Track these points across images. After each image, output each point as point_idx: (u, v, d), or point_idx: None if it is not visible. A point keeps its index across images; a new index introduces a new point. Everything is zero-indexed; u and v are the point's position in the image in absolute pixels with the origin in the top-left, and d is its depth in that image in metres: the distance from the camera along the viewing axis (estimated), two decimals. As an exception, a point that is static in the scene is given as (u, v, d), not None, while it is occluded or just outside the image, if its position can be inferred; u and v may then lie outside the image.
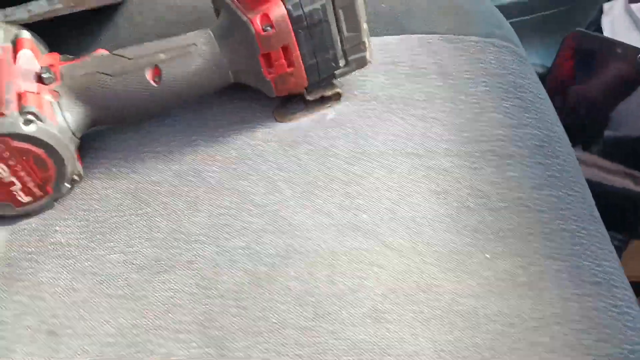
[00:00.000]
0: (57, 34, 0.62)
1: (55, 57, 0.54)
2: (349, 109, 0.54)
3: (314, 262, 0.45)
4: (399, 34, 0.61)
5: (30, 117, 0.46)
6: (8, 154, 0.47)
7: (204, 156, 0.52)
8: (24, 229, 0.49)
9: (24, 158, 0.47)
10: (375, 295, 0.44)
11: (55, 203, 0.50)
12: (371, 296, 0.43)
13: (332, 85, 0.55)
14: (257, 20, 0.48)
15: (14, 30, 0.55)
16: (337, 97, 0.55)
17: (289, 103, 0.55)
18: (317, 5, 0.49)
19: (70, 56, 0.55)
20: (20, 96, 0.48)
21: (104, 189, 0.50)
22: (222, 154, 0.52)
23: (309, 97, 0.54)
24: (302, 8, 0.49)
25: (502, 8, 0.71)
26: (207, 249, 0.45)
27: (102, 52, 0.53)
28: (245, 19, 0.48)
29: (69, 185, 0.50)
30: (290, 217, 0.47)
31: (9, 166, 0.47)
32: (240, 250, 0.45)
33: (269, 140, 0.52)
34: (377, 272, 0.45)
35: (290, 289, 0.44)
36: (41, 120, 0.47)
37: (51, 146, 0.48)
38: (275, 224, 0.47)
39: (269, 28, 0.48)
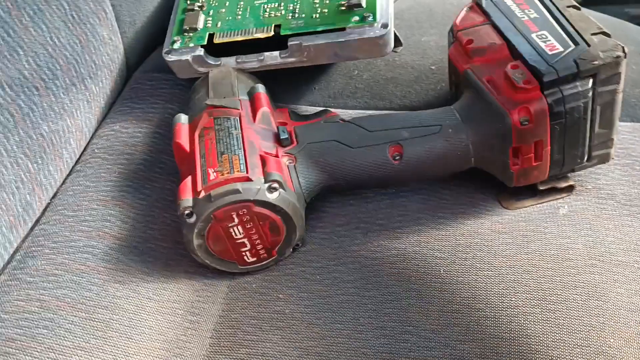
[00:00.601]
0: (271, 80, 0.63)
1: (285, 115, 0.54)
2: (583, 205, 0.51)
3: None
4: (631, 121, 0.57)
5: (275, 184, 0.46)
6: (247, 217, 0.46)
7: (428, 238, 0.50)
8: (245, 288, 0.49)
9: (261, 223, 0.47)
10: None
11: (275, 265, 0.50)
12: None
13: (566, 177, 0.52)
14: (516, 113, 0.46)
15: (249, 81, 0.55)
16: (570, 189, 0.52)
17: (516, 188, 0.52)
18: (579, 103, 0.46)
19: (299, 114, 0.54)
20: (263, 160, 0.48)
21: (325, 259, 0.50)
22: (448, 240, 0.50)
23: (542, 187, 0.51)
24: (564, 105, 0.46)
25: None
26: (435, 353, 0.44)
27: (335, 116, 0.53)
28: (503, 110, 0.46)
29: (292, 249, 0.50)
30: (522, 327, 0.44)
31: (245, 229, 0.47)
32: (475, 358, 0.43)
33: (498, 231, 0.50)
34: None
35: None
36: (283, 188, 0.47)
37: (288, 214, 0.47)
38: (510, 333, 0.44)
39: (526, 122, 0.46)
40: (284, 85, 0.63)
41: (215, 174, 0.47)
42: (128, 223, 0.52)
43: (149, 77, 0.64)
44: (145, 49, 0.66)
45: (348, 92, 0.62)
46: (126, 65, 0.64)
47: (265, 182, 0.46)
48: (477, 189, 0.53)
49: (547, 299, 0.45)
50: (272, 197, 0.46)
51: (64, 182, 0.56)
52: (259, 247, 0.48)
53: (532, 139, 0.47)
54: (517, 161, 0.48)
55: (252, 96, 0.53)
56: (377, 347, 0.44)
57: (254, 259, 0.49)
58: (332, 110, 0.54)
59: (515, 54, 0.48)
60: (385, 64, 0.63)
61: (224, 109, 0.52)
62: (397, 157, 0.49)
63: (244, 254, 0.48)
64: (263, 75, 0.59)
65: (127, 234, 0.52)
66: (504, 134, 0.46)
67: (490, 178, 0.51)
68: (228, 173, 0.47)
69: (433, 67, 0.62)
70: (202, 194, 0.46)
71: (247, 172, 0.47)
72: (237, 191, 0.46)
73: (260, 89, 0.54)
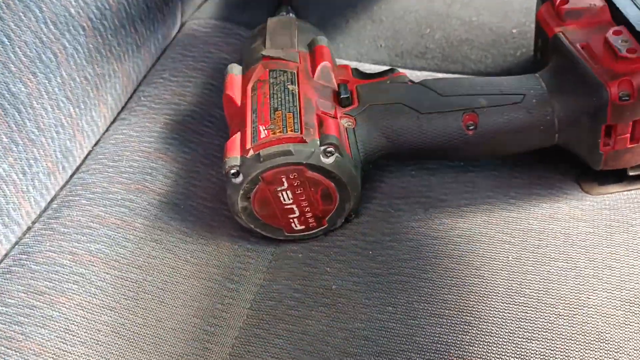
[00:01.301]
0: (335, 33, 0.57)
1: (347, 71, 0.49)
2: (678, 196, 0.45)
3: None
4: None
5: (330, 148, 0.41)
6: (298, 182, 0.42)
7: (497, 220, 0.45)
8: (290, 257, 0.45)
9: (312, 189, 0.43)
10: None
11: (323, 236, 0.46)
12: None
13: (660, 163, 0.46)
14: (616, 86, 0.40)
15: (310, 32, 0.50)
16: (663, 177, 0.46)
17: (600, 171, 0.46)
18: (690, 78, 0.40)
19: (363, 72, 0.49)
20: (320, 120, 0.43)
21: (380, 233, 0.45)
22: (520, 224, 0.44)
23: (632, 173, 0.45)
24: (673, 78, 0.40)
25: None
26: (496, 349, 0.39)
27: (404, 76, 0.47)
28: (600, 81, 0.40)
29: (343, 220, 0.45)
30: (599, 330, 0.39)
31: (294, 194, 0.43)
32: (535, 357, 0.38)
33: (577, 218, 0.44)
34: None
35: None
36: (340, 153, 0.42)
37: (343, 181, 0.42)
38: (584, 336, 0.39)
39: (627, 97, 0.40)
40: (348, 40, 0.58)
41: (266, 131, 0.43)
42: (170, 178, 0.49)
43: (204, 24, 0.59)
44: (202, -6, 0.62)
45: (417, 51, 0.57)
46: (181, 11, 0.60)
47: (321, 145, 0.42)
48: (556, 169, 0.47)
49: (632, 301, 0.40)
50: (327, 161, 0.42)
51: (107, 130, 0.53)
52: (309, 214, 0.44)
53: (631, 117, 0.40)
54: (609, 141, 0.42)
55: (313, 49, 0.48)
56: (432, 336, 0.39)
57: (302, 227, 0.45)
58: (400, 70, 0.49)
59: (619, 18, 0.42)
60: (461, 23, 0.57)
61: (281, 61, 0.47)
62: (472, 127, 0.43)
63: (291, 220, 0.44)
64: (324, 25, 0.54)
65: (169, 189, 0.48)
66: (598, 110, 0.40)
67: (572, 158, 0.46)
68: (280, 132, 0.42)
69: (514, 31, 0.56)
70: (251, 152, 0.42)
71: (301, 133, 0.42)
72: (289, 152, 0.41)
73: (323, 41, 0.49)
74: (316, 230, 0.45)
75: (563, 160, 0.47)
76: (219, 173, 0.49)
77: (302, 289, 0.43)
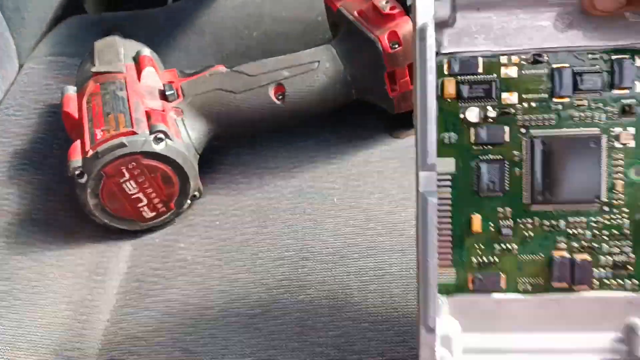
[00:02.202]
0: (165, 49, 0.63)
1: (173, 74, 0.55)
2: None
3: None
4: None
5: (160, 135, 0.47)
6: (138, 171, 0.47)
7: (322, 173, 0.52)
8: (148, 244, 0.50)
9: (152, 175, 0.48)
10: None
11: (176, 219, 0.51)
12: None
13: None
14: (385, 38, 0.48)
15: (135, 46, 0.56)
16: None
17: (405, 119, 0.54)
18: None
19: (188, 72, 0.55)
20: (148, 115, 0.49)
21: (224, 205, 0.51)
22: (341, 172, 0.51)
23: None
24: (429, 25, 0.48)
25: None
26: (337, 270, 0.45)
27: (221, 68, 0.54)
28: (372, 36, 0.48)
29: (189, 201, 0.51)
30: (411, 239, 0.46)
31: (137, 183, 0.48)
32: (370, 271, 0.45)
33: (388, 158, 0.52)
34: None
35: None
36: (170, 138, 0.48)
37: (178, 163, 0.48)
38: (402, 246, 0.46)
39: (396, 45, 0.48)
40: (176, 53, 0.63)
41: (102, 133, 0.48)
42: (26, 199, 0.52)
43: (40, 62, 0.64)
44: (35, 35, 0.66)
45: (240, 52, 0.63)
46: (16, 53, 0.64)
47: (151, 133, 0.47)
48: (371, 123, 0.55)
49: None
50: (158, 147, 0.47)
51: (-39, 169, 0.56)
52: (156, 200, 0.49)
53: (405, 61, 0.49)
54: (394, 87, 0.50)
55: (138, 59, 0.54)
56: (276, 275, 0.45)
57: (153, 213, 0.50)
58: (220, 65, 0.55)
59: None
60: (273, 20, 0.64)
61: (109, 74, 0.52)
62: (280, 97, 0.50)
63: (141, 209, 0.49)
64: (153, 44, 0.60)
65: (27, 208, 0.52)
66: (376, 60, 0.48)
67: (383, 112, 0.53)
68: (114, 130, 0.47)
69: (319, 19, 0.64)
70: (90, 152, 0.47)
71: (132, 127, 0.47)
72: (122, 145, 0.46)
73: (146, 51, 0.55)
74: (167, 214, 0.50)
75: (378, 114, 0.54)
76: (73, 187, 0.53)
77: (162, 267, 0.48)
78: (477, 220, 0.34)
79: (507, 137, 0.34)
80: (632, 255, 0.34)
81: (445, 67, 0.33)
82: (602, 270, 0.34)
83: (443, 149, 0.34)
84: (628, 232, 0.34)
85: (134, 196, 0.48)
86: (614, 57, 0.33)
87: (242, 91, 0.50)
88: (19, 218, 0.51)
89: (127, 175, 0.47)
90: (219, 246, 0.48)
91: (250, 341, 0.42)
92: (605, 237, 0.34)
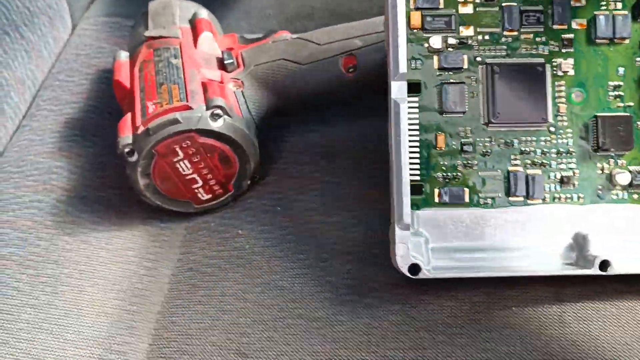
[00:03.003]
0: (224, 10, 0.58)
1: (233, 39, 0.49)
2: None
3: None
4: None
5: (217, 111, 0.42)
6: (193, 150, 0.43)
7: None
8: (203, 228, 0.46)
9: (209, 155, 0.43)
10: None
11: (233, 202, 0.47)
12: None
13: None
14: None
15: (191, 8, 0.51)
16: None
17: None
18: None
19: (249, 37, 0.50)
20: (205, 86, 0.44)
21: (287, 188, 0.46)
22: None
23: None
24: None
25: None
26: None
27: (285, 34, 0.48)
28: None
29: (249, 183, 0.46)
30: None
31: (192, 163, 0.43)
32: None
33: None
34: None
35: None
36: (228, 115, 0.43)
37: (237, 142, 0.43)
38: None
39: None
40: (236, 14, 0.58)
41: (154, 106, 0.43)
42: (76, 173, 0.49)
43: (94, 23, 0.60)
44: (90, -7, 0.62)
45: (305, 13, 0.58)
46: (69, 13, 0.60)
47: (207, 109, 0.42)
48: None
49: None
50: (215, 125, 0.42)
51: (10, 140, 0.53)
52: (212, 182, 0.45)
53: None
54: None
55: (194, 22, 0.49)
56: (343, 273, 0.41)
57: (209, 195, 0.45)
58: (284, 30, 0.50)
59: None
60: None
61: (163, 39, 0.48)
62: (352, 70, 0.44)
63: (197, 191, 0.45)
64: (211, 4, 0.55)
65: (76, 184, 0.48)
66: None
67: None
68: (167, 104, 0.43)
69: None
70: (141, 128, 0.42)
71: (187, 101, 0.43)
72: (176, 121, 0.42)
73: (203, 14, 0.49)
74: (224, 197, 0.46)
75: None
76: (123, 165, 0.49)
77: (217, 255, 0.44)
78: (441, 138, 0.39)
79: (465, 64, 0.39)
80: (577, 171, 0.39)
81: (412, 2, 0.39)
82: (551, 184, 0.39)
83: (411, 74, 0.39)
84: (572, 150, 0.39)
85: (189, 177, 0.44)
86: None
87: (309, 62, 0.45)
88: (68, 195, 0.47)
89: (181, 155, 0.43)
90: (280, 235, 0.43)
91: (313, 348, 0.38)
92: (553, 155, 0.39)
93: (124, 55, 0.49)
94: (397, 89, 0.37)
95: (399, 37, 0.37)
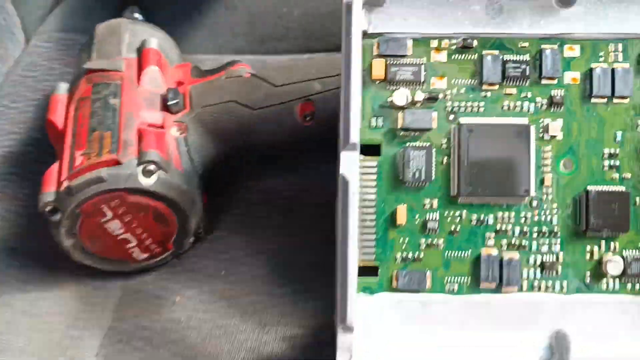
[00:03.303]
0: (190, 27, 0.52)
1: (186, 71, 0.44)
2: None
3: None
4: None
5: (150, 166, 0.37)
6: (124, 209, 0.38)
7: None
8: (139, 290, 0.40)
9: (142, 214, 0.38)
10: None
11: (176, 260, 0.41)
12: None
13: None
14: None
15: (143, 33, 0.45)
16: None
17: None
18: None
19: (203, 70, 0.44)
20: (141, 135, 0.39)
21: (235, 249, 0.41)
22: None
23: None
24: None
25: None
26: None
27: (242, 68, 0.42)
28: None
29: (192, 240, 0.41)
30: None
31: (123, 223, 0.38)
32: None
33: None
34: None
35: None
36: (164, 169, 0.37)
37: (173, 200, 0.38)
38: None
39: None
40: (204, 33, 0.52)
41: (82, 158, 0.38)
42: (8, 220, 0.44)
43: (47, 39, 0.54)
44: (44, 7, 0.57)
45: (278, 34, 0.52)
46: (21, 27, 0.55)
47: (139, 164, 0.37)
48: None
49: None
50: (147, 182, 0.37)
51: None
52: (148, 241, 0.39)
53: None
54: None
55: (141, 53, 0.43)
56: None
57: (146, 254, 0.40)
58: (242, 61, 0.44)
59: None
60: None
61: (105, 73, 0.42)
62: (309, 118, 0.38)
63: (131, 251, 0.39)
64: (175, 20, 0.49)
65: (6, 232, 0.43)
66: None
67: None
68: (96, 156, 0.38)
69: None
70: (65, 184, 0.37)
71: (117, 153, 0.37)
72: (101, 179, 0.36)
73: (152, 43, 0.43)
74: (164, 256, 0.40)
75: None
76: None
77: (150, 326, 0.38)
78: (402, 212, 0.33)
79: (434, 124, 0.33)
80: (561, 255, 0.33)
81: (375, 47, 0.33)
82: (531, 270, 0.33)
83: (370, 133, 0.33)
84: (557, 230, 0.33)
85: (121, 237, 0.39)
86: (542, 46, 0.33)
87: (262, 107, 0.39)
88: (-4, 245, 0.43)
89: (109, 214, 0.38)
90: (221, 307, 0.38)
91: None
92: (534, 235, 0.33)
93: (62, 89, 0.43)
94: (347, 162, 0.30)
95: (352, 96, 0.31)
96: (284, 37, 0.51)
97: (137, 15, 0.51)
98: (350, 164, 0.30)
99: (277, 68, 0.41)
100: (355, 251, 0.30)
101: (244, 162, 0.42)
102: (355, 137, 0.30)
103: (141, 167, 0.37)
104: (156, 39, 0.44)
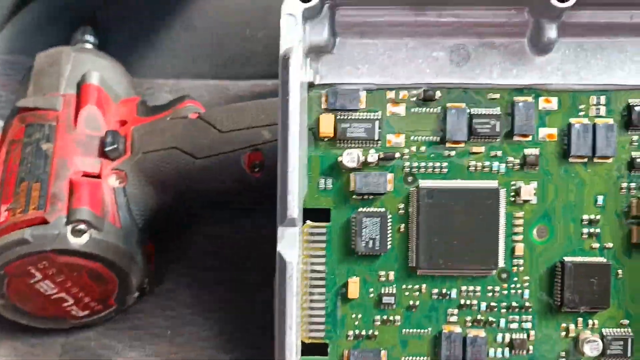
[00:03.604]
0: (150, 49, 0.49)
1: (132, 107, 0.40)
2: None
3: None
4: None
5: (80, 226, 0.33)
6: (54, 270, 0.34)
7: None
8: (82, 347, 0.37)
9: (75, 273, 0.34)
10: None
11: (123, 314, 0.38)
12: None
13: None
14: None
15: (86, 64, 0.40)
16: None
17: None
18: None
19: (151, 106, 0.40)
20: (73, 187, 0.35)
21: (182, 305, 0.37)
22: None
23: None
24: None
25: None
26: None
27: (190, 105, 0.39)
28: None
29: (137, 294, 0.37)
30: None
31: (55, 283, 0.35)
32: None
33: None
34: None
35: None
36: (96, 228, 0.34)
37: (109, 260, 0.34)
38: None
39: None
40: (163, 56, 0.48)
41: (7, 213, 0.34)
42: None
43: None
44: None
45: (243, 58, 0.48)
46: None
47: (68, 222, 0.33)
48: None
49: None
50: (78, 242, 0.33)
51: None
52: (87, 299, 0.36)
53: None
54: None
55: (80, 89, 0.40)
56: None
57: (86, 312, 0.37)
58: (192, 97, 0.40)
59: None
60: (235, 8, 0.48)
61: (39, 112, 0.38)
62: (257, 169, 0.35)
63: (69, 309, 0.36)
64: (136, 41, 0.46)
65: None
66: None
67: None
68: (21, 212, 0.34)
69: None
70: (-12, 242, 0.34)
71: (45, 210, 0.34)
72: (24, 241, 0.33)
73: (93, 77, 0.39)
74: (106, 312, 0.37)
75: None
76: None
77: (87, 389, 0.36)
78: (354, 285, 0.30)
79: (390, 187, 0.30)
80: (533, 333, 0.30)
81: (323, 100, 0.29)
82: (498, 349, 0.30)
83: (318, 197, 0.29)
84: (529, 305, 0.30)
85: (55, 296, 0.35)
86: (515, 98, 0.29)
87: (205, 156, 0.35)
88: None
89: (38, 276, 0.34)
90: (163, 374, 0.35)
91: None
92: (502, 310, 0.30)
93: (-6, 128, 0.40)
94: (285, 238, 0.27)
95: (290, 161, 0.26)
96: (248, 60, 0.47)
97: (88, 37, 0.47)
98: (289, 242, 0.26)
99: (226, 110, 0.37)
100: (293, 342, 0.26)
101: (190, 211, 0.38)
102: (293, 211, 0.26)
103: (70, 227, 0.33)
104: (98, 72, 0.40)
